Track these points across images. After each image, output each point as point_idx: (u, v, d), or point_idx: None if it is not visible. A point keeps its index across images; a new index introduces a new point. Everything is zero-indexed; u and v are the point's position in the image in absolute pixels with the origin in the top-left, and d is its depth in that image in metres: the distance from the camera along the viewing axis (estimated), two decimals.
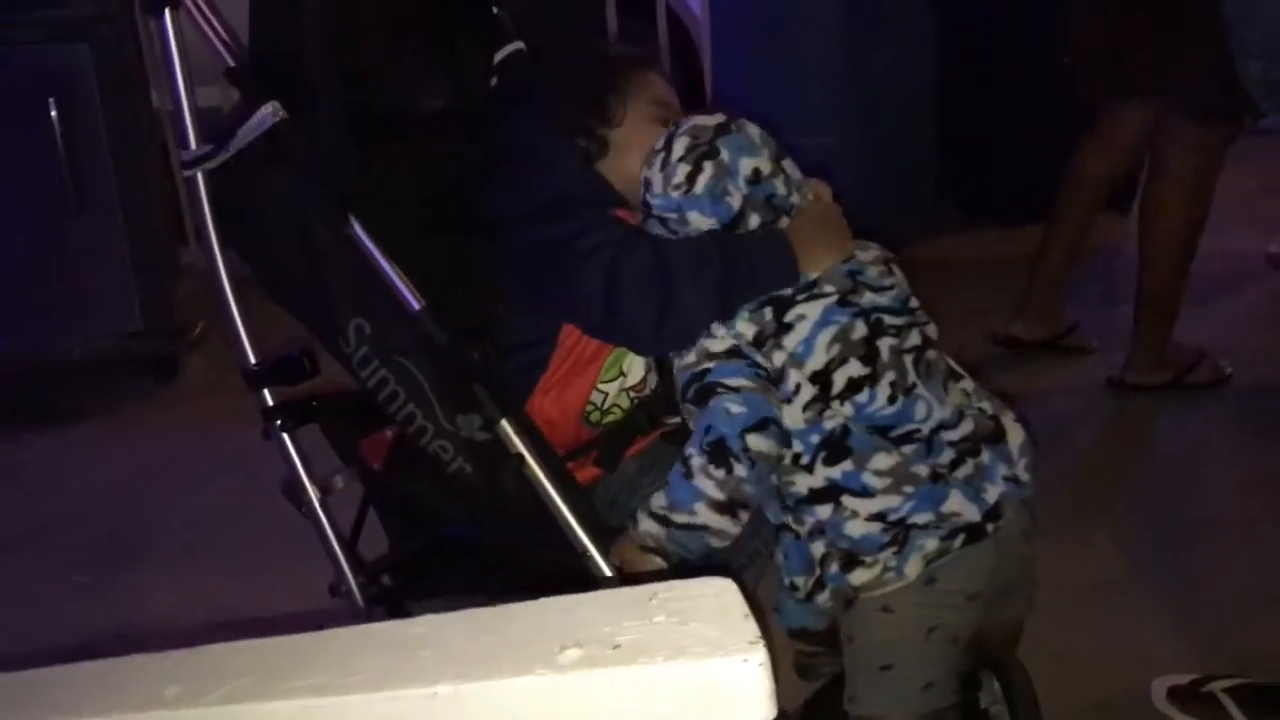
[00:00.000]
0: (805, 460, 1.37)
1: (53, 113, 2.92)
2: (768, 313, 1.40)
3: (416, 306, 1.42)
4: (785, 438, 1.36)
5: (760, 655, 0.65)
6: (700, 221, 1.43)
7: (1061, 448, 2.59)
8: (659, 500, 1.36)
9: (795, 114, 3.50)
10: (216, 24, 1.49)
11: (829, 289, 1.40)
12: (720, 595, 0.79)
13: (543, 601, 0.82)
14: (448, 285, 1.49)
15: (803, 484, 1.38)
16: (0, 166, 3.00)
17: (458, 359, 1.40)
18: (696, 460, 1.34)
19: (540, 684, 0.64)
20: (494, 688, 0.65)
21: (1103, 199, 2.97)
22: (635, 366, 1.57)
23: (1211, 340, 2.98)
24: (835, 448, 1.36)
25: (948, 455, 1.38)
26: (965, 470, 1.38)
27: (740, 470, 1.33)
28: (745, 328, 1.39)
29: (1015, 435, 1.44)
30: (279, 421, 1.59)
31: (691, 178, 1.42)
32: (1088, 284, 3.55)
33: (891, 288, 1.44)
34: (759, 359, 1.38)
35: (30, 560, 2.54)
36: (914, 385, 1.39)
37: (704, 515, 1.34)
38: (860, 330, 1.39)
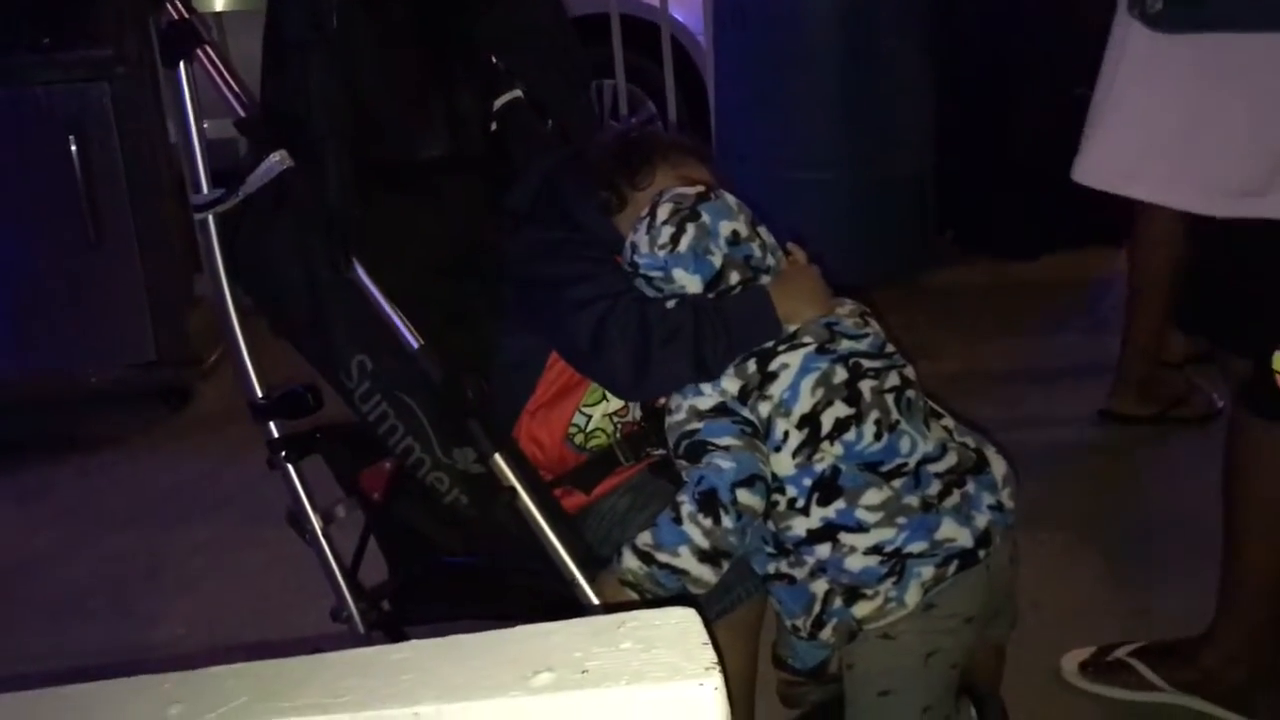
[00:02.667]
0: (800, 504, 1.42)
1: (73, 149, 3.02)
2: (751, 365, 1.46)
3: (415, 345, 1.48)
4: (769, 493, 1.42)
5: (715, 679, 0.70)
6: (685, 279, 1.50)
7: (1050, 477, 2.64)
8: (645, 538, 1.42)
9: (796, 149, 3.62)
10: (228, 76, 1.56)
11: (807, 339, 1.46)
12: (681, 624, 0.85)
13: (519, 629, 0.88)
14: (445, 324, 1.56)
15: (800, 526, 1.43)
16: (22, 201, 3.12)
17: (454, 395, 1.47)
18: (687, 507, 1.40)
19: (514, 705, 0.70)
20: (471, 709, 0.70)
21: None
22: None
23: None
24: (827, 488, 1.41)
25: (935, 486, 1.43)
26: (953, 500, 1.43)
27: (727, 522, 1.38)
28: (730, 384, 1.45)
29: (998, 466, 1.49)
30: (283, 453, 1.66)
31: (675, 238, 1.49)
32: (1080, 315, 3.60)
33: (867, 335, 1.50)
34: (745, 413, 1.44)
35: (43, 583, 2.60)
36: (898, 422, 1.45)
37: (686, 560, 1.39)
38: (841, 374, 1.45)
